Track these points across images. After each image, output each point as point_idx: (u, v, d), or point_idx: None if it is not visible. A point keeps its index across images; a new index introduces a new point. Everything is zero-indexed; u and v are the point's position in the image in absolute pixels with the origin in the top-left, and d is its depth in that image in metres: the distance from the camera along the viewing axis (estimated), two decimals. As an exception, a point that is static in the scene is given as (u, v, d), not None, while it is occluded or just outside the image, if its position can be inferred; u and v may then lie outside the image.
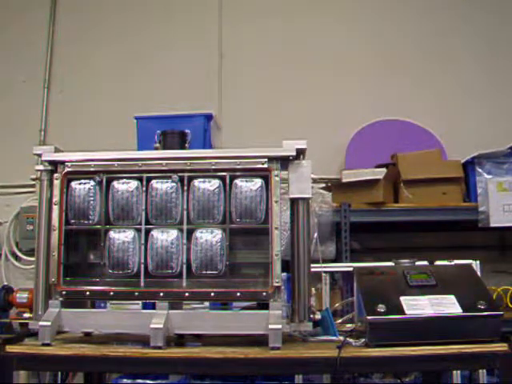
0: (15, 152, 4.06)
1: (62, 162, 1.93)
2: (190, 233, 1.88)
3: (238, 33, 4.43)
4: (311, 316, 1.87)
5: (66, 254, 1.91)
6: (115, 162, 1.93)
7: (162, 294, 1.85)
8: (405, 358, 1.73)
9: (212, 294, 1.86)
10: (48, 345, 1.80)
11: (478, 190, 3.51)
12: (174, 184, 1.90)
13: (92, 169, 1.93)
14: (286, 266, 1.89)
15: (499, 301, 3.30)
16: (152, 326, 1.77)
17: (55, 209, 1.91)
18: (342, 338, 1.84)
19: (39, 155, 1.94)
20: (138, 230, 1.90)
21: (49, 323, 1.81)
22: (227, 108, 4.27)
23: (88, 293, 1.90)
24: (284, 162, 1.88)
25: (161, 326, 1.77)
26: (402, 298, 1.81)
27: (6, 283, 4.03)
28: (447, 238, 3.99)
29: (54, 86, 4.53)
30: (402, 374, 2.93)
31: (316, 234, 2.09)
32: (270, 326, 1.74)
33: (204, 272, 1.86)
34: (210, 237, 1.87)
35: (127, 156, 1.95)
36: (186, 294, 1.86)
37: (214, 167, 1.90)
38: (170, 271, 1.87)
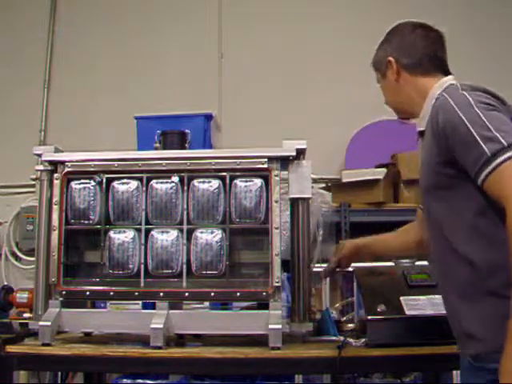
0: (15, 152, 4.05)
1: (62, 162, 1.93)
2: (189, 233, 1.89)
3: (237, 33, 4.43)
4: (311, 316, 1.87)
5: (65, 253, 1.91)
6: (115, 162, 1.94)
7: (161, 294, 1.85)
8: (405, 357, 1.74)
9: (212, 294, 1.86)
10: (48, 345, 1.80)
11: (477, 189, 3.50)
12: (173, 184, 1.90)
13: (92, 169, 1.93)
14: (286, 265, 1.89)
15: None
16: (152, 326, 1.77)
17: (55, 209, 1.91)
18: (342, 337, 1.84)
19: (39, 155, 1.94)
20: (138, 230, 1.90)
21: (49, 323, 1.81)
22: (227, 108, 4.27)
23: (88, 293, 1.90)
24: (284, 161, 1.88)
25: (161, 326, 1.77)
26: (402, 298, 1.81)
27: (6, 283, 4.02)
28: (447, 238, 3.98)
29: (54, 86, 4.52)
30: (401, 373, 2.93)
31: (321, 232, 2.10)
32: (270, 326, 1.74)
33: (204, 272, 1.86)
34: (210, 237, 1.87)
35: (127, 156, 1.96)
36: (186, 294, 1.87)
37: (214, 167, 1.90)
38: (170, 271, 1.87)
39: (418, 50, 1.71)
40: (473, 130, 1.39)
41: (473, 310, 1.43)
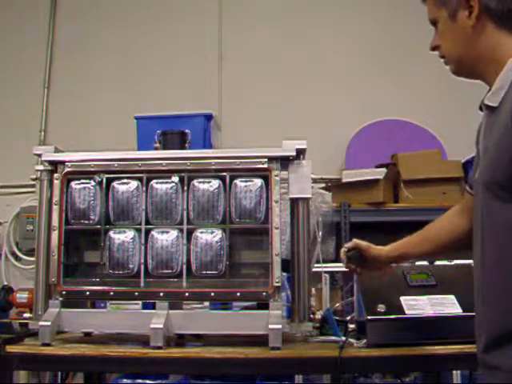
0: (15, 152, 4.05)
1: (62, 162, 1.93)
2: (189, 233, 1.88)
3: (238, 33, 4.43)
4: (311, 316, 1.87)
5: (66, 253, 1.91)
6: (115, 162, 1.93)
7: (161, 294, 1.85)
8: (405, 357, 1.74)
9: (212, 294, 1.86)
10: (48, 345, 1.80)
11: (477, 190, 3.49)
12: (173, 184, 1.90)
13: (92, 169, 1.93)
14: (286, 266, 1.89)
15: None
16: (152, 326, 1.77)
17: (55, 209, 1.91)
18: (343, 338, 1.84)
19: (39, 155, 1.94)
20: (138, 230, 1.90)
21: (49, 323, 1.81)
22: (227, 108, 4.27)
23: (88, 293, 1.90)
24: (284, 161, 1.88)
25: (161, 325, 1.77)
26: (402, 298, 1.81)
27: (5, 283, 4.02)
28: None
29: (54, 86, 4.52)
30: (401, 373, 2.93)
31: (321, 233, 2.10)
32: (270, 326, 1.74)
33: (204, 272, 1.86)
34: (209, 237, 1.87)
35: (127, 156, 1.96)
36: (186, 294, 1.86)
37: (214, 167, 1.90)
38: (170, 271, 1.87)
39: None
40: None
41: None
